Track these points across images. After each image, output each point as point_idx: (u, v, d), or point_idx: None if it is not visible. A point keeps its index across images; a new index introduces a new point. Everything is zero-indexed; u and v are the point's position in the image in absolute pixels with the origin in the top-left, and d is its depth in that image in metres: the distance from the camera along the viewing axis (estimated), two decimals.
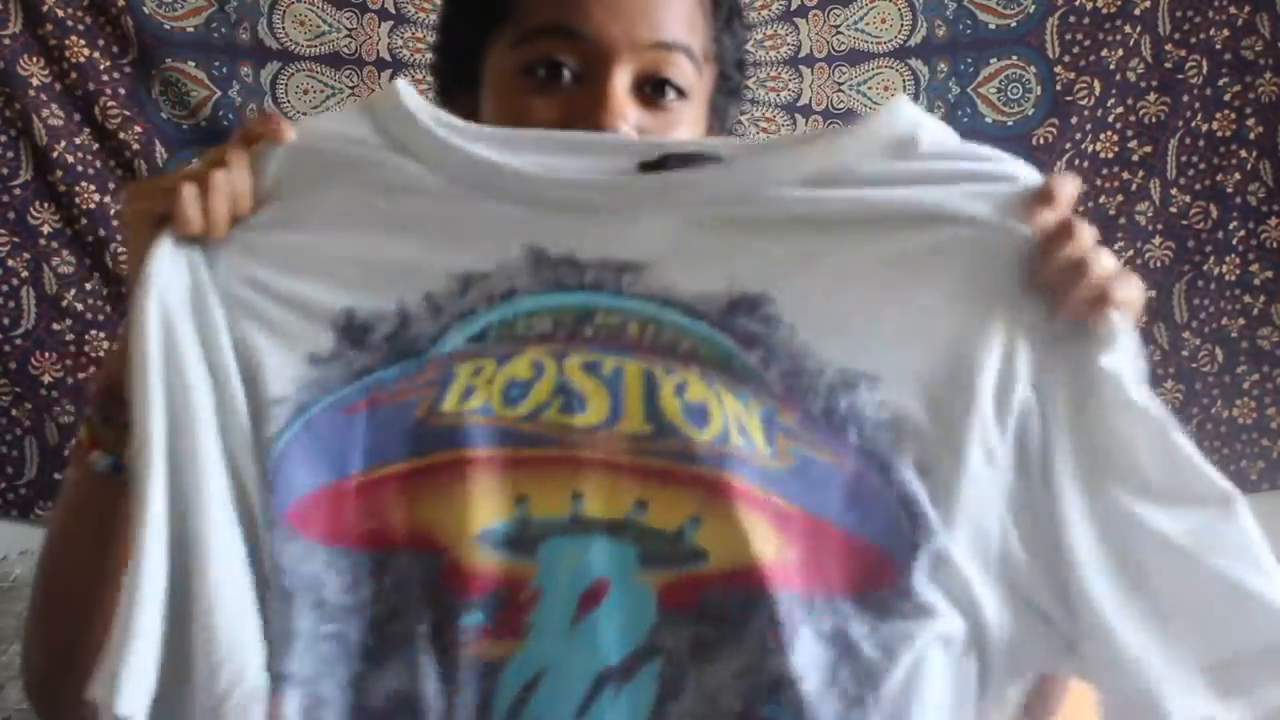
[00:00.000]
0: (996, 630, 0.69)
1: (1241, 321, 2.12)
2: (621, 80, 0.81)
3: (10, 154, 2.03)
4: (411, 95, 0.77)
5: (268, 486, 0.70)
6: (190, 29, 2.01)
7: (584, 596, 0.68)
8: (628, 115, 0.81)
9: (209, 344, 0.72)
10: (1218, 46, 2.04)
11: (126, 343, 0.72)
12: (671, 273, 0.72)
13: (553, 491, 0.69)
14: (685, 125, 0.85)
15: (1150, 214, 2.09)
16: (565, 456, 0.70)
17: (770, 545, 0.67)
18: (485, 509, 0.68)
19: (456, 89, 0.90)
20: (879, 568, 0.68)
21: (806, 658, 0.66)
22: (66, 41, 1.99)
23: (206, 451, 0.69)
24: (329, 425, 0.71)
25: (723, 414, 0.69)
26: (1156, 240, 2.10)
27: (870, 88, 2.07)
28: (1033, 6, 2.04)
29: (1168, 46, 2.04)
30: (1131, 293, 0.69)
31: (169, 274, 0.72)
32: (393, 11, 2.03)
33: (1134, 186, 2.08)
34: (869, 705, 0.66)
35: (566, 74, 0.82)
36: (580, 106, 0.81)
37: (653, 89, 0.83)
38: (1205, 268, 2.11)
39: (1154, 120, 2.06)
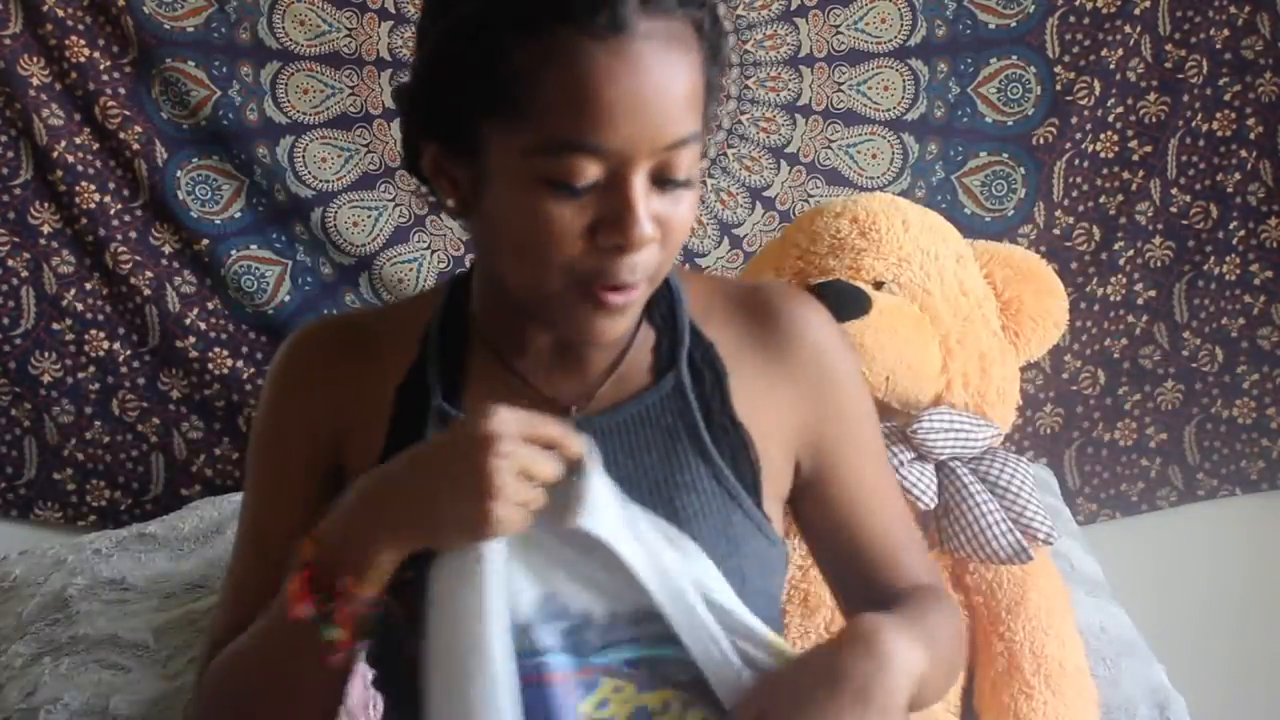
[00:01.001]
0: None
1: (1241, 321, 2.12)
2: (641, 185, 0.83)
3: (10, 154, 2.03)
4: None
5: None
6: (190, 29, 2.01)
7: None
8: (650, 213, 0.83)
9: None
10: (1218, 46, 2.04)
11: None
12: None
13: None
14: (692, 197, 0.87)
15: (1150, 214, 2.09)
16: None
17: None
18: None
19: (444, 144, 0.89)
20: None
21: None
22: (66, 41, 1.99)
23: None
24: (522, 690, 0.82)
25: None
26: (1156, 240, 2.10)
27: (870, 88, 2.07)
28: (1033, 6, 2.03)
29: (1168, 46, 2.03)
30: None
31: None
32: (393, 11, 2.03)
33: (1134, 186, 2.08)
34: None
35: (586, 181, 0.82)
36: (605, 215, 0.83)
37: (665, 175, 0.85)
38: (1205, 268, 2.11)
39: (1154, 120, 2.06)
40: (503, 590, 0.81)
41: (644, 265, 0.85)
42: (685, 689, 0.86)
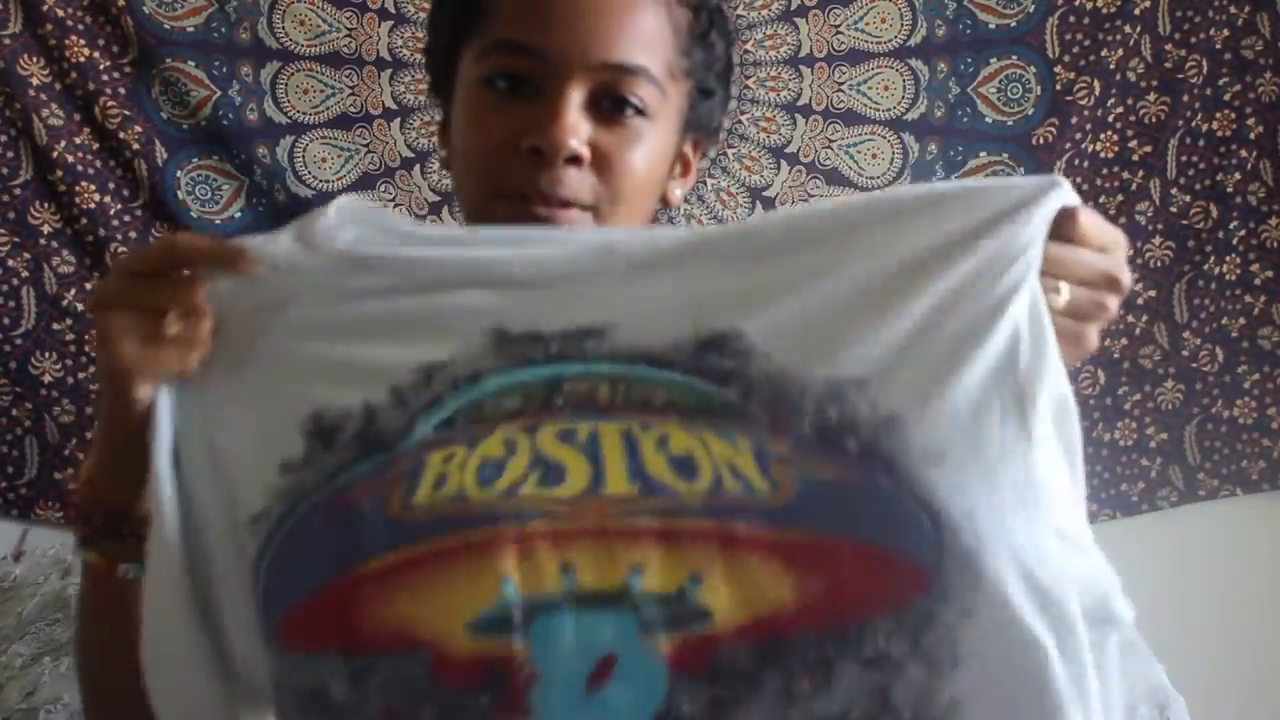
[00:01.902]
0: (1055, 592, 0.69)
1: (1242, 321, 2.12)
2: (575, 97, 0.83)
3: (10, 154, 2.03)
4: (345, 213, 0.75)
5: (258, 603, 0.70)
6: (190, 29, 2.01)
7: (593, 673, 0.65)
8: (579, 130, 0.83)
9: (197, 472, 0.74)
10: (1218, 46, 2.04)
11: (103, 459, 0.78)
12: (635, 329, 0.70)
13: (541, 567, 0.66)
14: (647, 144, 0.86)
15: (1150, 214, 2.09)
16: (550, 530, 0.66)
17: (786, 587, 0.64)
18: (469, 596, 0.66)
19: (441, 92, 0.92)
20: (910, 577, 0.65)
21: (850, 692, 0.63)
22: (66, 41, 1.99)
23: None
24: (308, 532, 0.69)
25: (711, 460, 0.67)
26: (1156, 240, 2.10)
27: (870, 87, 2.07)
28: (1033, 6, 2.03)
29: (1168, 46, 2.04)
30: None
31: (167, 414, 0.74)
32: (393, 11, 2.03)
33: (1134, 186, 2.08)
34: None
35: (519, 76, 0.84)
36: (532, 121, 0.82)
37: (611, 105, 0.84)
38: (1205, 268, 2.11)
39: (1154, 120, 2.06)
40: (165, 442, 0.73)
41: (572, 187, 0.83)
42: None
